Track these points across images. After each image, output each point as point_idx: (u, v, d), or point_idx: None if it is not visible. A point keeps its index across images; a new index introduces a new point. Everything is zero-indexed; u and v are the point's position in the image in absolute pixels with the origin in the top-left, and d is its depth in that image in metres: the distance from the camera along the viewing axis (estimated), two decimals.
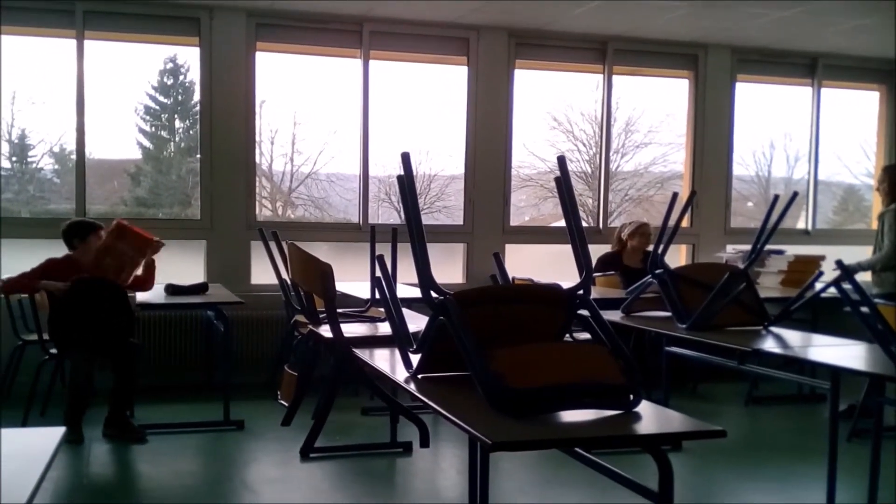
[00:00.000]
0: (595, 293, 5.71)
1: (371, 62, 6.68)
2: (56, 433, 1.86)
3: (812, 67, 7.76)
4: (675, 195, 4.27)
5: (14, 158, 6.48)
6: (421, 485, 4.32)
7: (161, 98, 6.74)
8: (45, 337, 4.93)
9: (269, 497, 3.94)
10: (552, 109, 7.54)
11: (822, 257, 6.52)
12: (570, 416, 2.19)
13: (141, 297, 5.17)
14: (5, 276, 5.04)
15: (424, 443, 4.54)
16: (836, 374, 3.59)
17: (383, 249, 4.23)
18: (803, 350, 3.76)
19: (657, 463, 2.15)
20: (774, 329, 4.11)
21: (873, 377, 3.20)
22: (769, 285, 6.51)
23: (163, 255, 5.29)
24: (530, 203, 7.79)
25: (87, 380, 4.80)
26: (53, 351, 4.95)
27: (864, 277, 5.50)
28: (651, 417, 2.23)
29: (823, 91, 7.84)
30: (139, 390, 5.08)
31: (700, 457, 4.57)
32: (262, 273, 6.14)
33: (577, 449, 2.82)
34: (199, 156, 6.49)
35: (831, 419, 3.70)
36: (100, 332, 4.75)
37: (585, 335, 2.64)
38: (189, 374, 5.96)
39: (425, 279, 2.46)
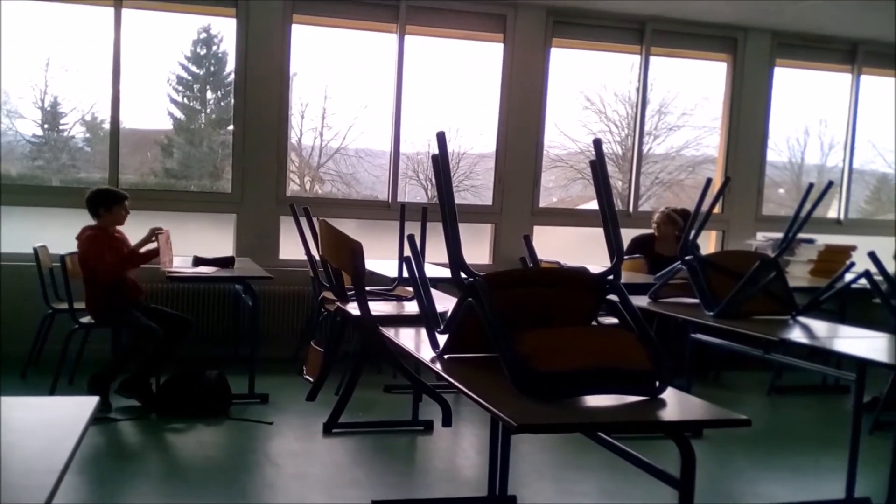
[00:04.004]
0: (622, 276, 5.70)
1: (406, 37, 6.66)
2: (89, 403, 1.89)
3: (852, 54, 7.64)
4: (709, 181, 4.24)
5: (46, 126, 6.54)
6: (440, 463, 4.34)
7: (193, 68, 6.76)
8: (76, 306, 5.00)
9: (291, 469, 3.99)
10: (585, 89, 7.48)
11: (854, 247, 6.45)
12: (594, 400, 2.19)
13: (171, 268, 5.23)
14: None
15: (446, 422, 4.56)
16: (861, 365, 3.56)
17: (411, 228, 4.24)
18: (830, 341, 3.73)
19: (680, 450, 2.15)
20: (802, 319, 4.09)
21: None
22: (799, 274, 6.45)
23: (192, 228, 5.32)
24: (559, 184, 7.74)
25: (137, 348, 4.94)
26: (83, 320, 5.02)
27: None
28: (675, 404, 2.23)
29: (863, 78, 7.72)
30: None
31: (720, 445, 4.57)
32: (291, 248, 6.17)
33: (599, 433, 2.83)
34: (230, 128, 6.52)
35: (855, 411, 3.67)
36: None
37: (612, 320, 2.64)
38: (215, 347, 6.02)
39: (456, 260, 2.47)
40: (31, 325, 5.46)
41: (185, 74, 6.73)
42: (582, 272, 2.67)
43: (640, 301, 4.43)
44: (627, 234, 6.50)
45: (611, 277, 2.53)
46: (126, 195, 5.08)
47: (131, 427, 4.57)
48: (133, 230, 5.13)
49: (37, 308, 5.40)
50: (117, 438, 4.41)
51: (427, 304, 2.72)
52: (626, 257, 6.16)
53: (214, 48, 6.77)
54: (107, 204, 4.96)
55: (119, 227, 5.09)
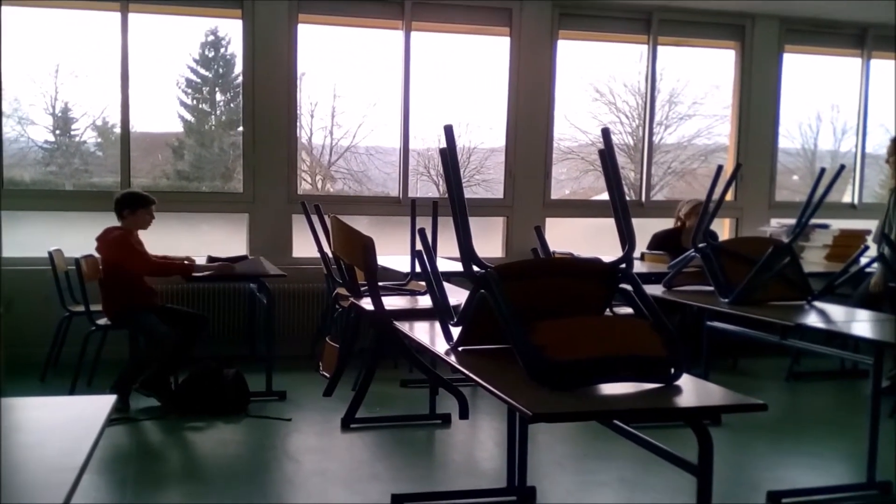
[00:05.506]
0: (643, 268, 5.71)
1: (412, 33, 6.67)
2: (106, 401, 1.90)
3: (861, 38, 7.59)
4: (719, 168, 4.23)
5: (57, 131, 6.58)
6: (459, 456, 4.35)
7: (202, 71, 6.78)
8: (92, 308, 5.04)
9: (311, 465, 4.00)
10: (594, 81, 7.46)
11: (868, 231, 6.40)
12: (610, 388, 2.20)
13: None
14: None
15: (463, 414, 4.57)
16: (879, 349, 3.55)
17: (423, 223, 4.25)
18: (846, 325, 3.72)
19: (697, 436, 2.15)
20: (818, 304, 4.07)
21: None
22: (813, 260, 6.42)
23: (205, 228, 5.34)
24: (571, 176, 7.73)
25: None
26: (100, 322, 5.06)
27: None
28: (691, 391, 2.23)
29: (873, 62, 7.67)
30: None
31: (739, 432, 4.55)
32: (304, 246, 6.19)
33: (616, 422, 2.83)
34: (240, 129, 6.54)
35: (873, 395, 3.66)
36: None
37: (627, 309, 2.63)
38: (232, 346, 6.05)
39: (467, 253, 2.47)
40: (48, 329, 5.49)
41: (193, 77, 6.76)
42: (593, 261, 2.66)
43: (655, 290, 4.42)
44: (640, 224, 6.42)
45: (623, 266, 2.53)
46: (153, 200, 5.11)
47: (151, 426, 4.60)
48: (151, 231, 5.19)
49: (54, 311, 5.44)
50: (138, 438, 4.44)
51: (440, 297, 2.73)
52: (650, 252, 6.17)
53: (222, 50, 6.79)
54: (132, 206, 5.01)
55: (139, 231, 5.13)
